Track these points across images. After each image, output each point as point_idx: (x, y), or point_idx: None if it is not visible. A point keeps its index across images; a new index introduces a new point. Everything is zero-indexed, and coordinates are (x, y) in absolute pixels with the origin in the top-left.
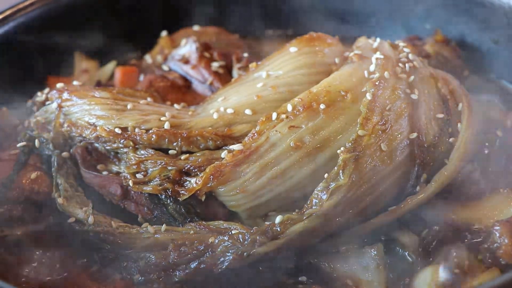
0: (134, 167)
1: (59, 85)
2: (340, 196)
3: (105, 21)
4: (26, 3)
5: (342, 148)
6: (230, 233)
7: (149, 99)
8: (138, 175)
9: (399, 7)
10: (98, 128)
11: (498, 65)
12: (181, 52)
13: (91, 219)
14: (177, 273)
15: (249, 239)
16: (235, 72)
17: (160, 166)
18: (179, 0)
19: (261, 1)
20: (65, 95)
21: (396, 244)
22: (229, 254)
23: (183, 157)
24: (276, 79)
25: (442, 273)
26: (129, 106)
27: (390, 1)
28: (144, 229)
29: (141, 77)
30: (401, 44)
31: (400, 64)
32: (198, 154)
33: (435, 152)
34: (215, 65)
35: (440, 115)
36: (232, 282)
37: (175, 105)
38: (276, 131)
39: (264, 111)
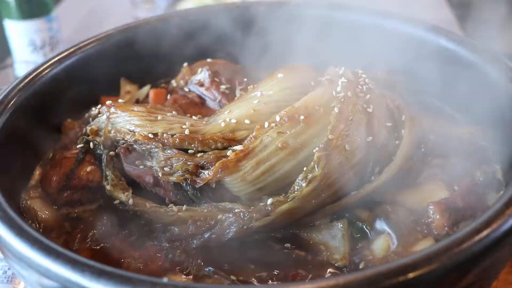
0: (163, 162)
1: (108, 102)
2: (315, 184)
3: (142, 57)
4: (85, 42)
5: (317, 148)
6: (233, 211)
7: (174, 112)
8: (165, 169)
9: (358, 48)
10: (136, 133)
11: (428, 88)
12: (197, 78)
13: (131, 201)
14: (194, 241)
15: (248, 216)
16: (238, 92)
17: (182, 162)
18: (197, 42)
19: (257, 44)
20: (112, 110)
21: (356, 219)
22: (233, 227)
23: (199, 155)
24: (267, 97)
25: (392, 241)
26: (159, 118)
27: (350, 45)
28: (170, 208)
29: (168, 96)
30: (360, 71)
31: (359, 86)
32: (210, 153)
33: (385, 151)
34: (222, 87)
35: (389, 124)
36: (235, 247)
37: (193, 117)
38: (267, 135)
39: (259, 121)
